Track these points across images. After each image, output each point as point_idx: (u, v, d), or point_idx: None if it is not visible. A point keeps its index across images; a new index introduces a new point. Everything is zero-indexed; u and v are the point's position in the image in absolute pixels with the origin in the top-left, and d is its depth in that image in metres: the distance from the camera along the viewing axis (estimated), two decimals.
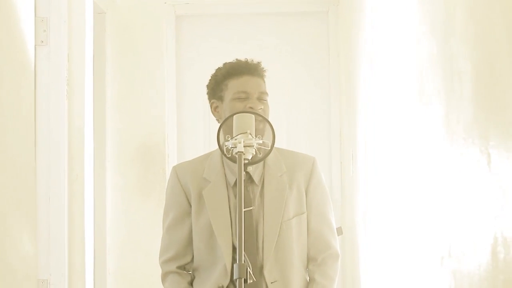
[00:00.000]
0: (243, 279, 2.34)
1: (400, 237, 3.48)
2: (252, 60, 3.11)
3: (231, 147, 2.62)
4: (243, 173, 2.62)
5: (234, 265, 2.37)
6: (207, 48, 5.61)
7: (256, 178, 3.01)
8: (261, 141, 2.66)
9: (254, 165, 3.00)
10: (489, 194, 2.15)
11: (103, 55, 5.21)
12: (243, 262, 2.37)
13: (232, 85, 3.04)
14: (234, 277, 2.36)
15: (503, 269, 2.07)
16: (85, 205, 3.85)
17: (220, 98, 3.07)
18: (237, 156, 2.57)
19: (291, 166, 3.08)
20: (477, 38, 2.27)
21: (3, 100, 2.93)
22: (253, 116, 2.71)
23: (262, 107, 3.00)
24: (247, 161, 2.60)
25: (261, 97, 3.03)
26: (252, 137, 2.64)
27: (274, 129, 2.73)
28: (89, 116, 4.01)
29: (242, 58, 3.13)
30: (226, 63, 3.13)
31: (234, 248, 2.97)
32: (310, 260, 3.07)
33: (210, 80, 3.14)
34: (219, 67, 3.13)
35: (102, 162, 5.14)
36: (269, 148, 2.70)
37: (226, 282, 2.96)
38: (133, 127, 5.39)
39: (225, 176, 3.05)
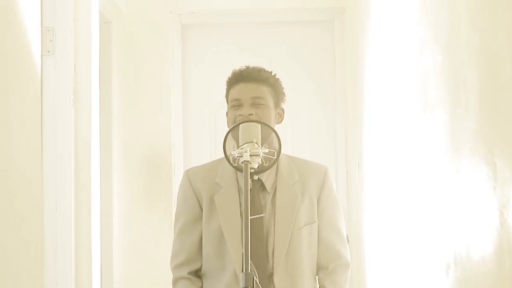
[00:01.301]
0: None
1: (406, 245, 3.48)
2: (250, 67, 3.11)
3: (237, 156, 2.62)
4: (250, 180, 2.62)
5: (241, 274, 2.37)
6: (213, 56, 5.62)
7: (268, 185, 3.01)
8: (267, 150, 2.66)
9: (267, 172, 3.00)
10: (495, 202, 2.15)
11: (109, 64, 5.22)
12: (249, 271, 2.37)
13: (230, 93, 3.06)
14: (241, 287, 2.36)
15: (509, 276, 2.07)
16: (91, 214, 3.86)
17: (227, 105, 3.09)
18: (243, 165, 2.57)
19: (303, 175, 3.07)
20: (481, 47, 2.28)
21: (10, 109, 2.94)
22: (258, 125, 2.71)
23: (253, 112, 2.98)
24: (253, 170, 2.61)
25: (255, 102, 3.01)
26: (258, 146, 2.64)
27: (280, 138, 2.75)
28: (96, 126, 4.02)
29: (247, 65, 3.14)
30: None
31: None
32: (320, 268, 3.06)
33: None
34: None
35: (108, 171, 5.15)
36: (275, 157, 2.71)
37: None
38: (139, 136, 5.40)
39: (237, 181, 3.05)
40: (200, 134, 5.61)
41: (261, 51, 5.59)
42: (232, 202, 3.02)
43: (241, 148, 2.63)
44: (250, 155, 2.59)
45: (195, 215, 3.08)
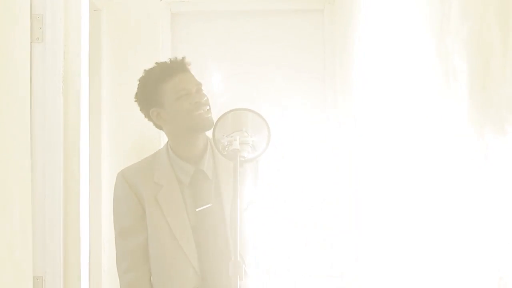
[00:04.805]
0: (238, 276, 2.35)
1: (401, 242, 3.49)
2: (176, 58, 3.13)
3: (227, 145, 2.62)
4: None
5: (230, 263, 2.37)
6: (203, 45, 5.61)
7: (209, 173, 3.02)
8: (256, 139, 2.66)
9: (206, 161, 3.01)
10: (487, 192, 2.15)
11: (99, 52, 5.20)
12: (238, 259, 2.37)
13: (170, 87, 3.05)
14: (230, 274, 2.36)
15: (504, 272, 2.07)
16: (80, 202, 3.85)
17: (160, 104, 3.07)
18: (232, 153, 2.56)
19: None
20: (472, 36, 2.28)
21: None
22: (248, 113, 2.70)
23: (206, 97, 3.04)
24: (243, 159, 2.60)
25: (200, 89, 3.07)
26: (248, 134, 2.63)
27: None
28: (85, 114, 4.00)
29: (163, 60, 3.15)
30: (148, 70, 3.13)
31: (197, 248, 2.98)
32: None
33: (138, 92, 3.14)
34: (142, 77, 3.14)
35: (97, 159, 5.14)
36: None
37: (198, 283, 2.96)
38: (128, 125, 5.39)
39: (176, 177, 3.05)
40: None
41: (251, 39, 5.57)
42: (175, 199, 3.02)
43: (231, 136, 2.62)
44: (239, 144, 2.58)
45: (138, 217, 3.09)
